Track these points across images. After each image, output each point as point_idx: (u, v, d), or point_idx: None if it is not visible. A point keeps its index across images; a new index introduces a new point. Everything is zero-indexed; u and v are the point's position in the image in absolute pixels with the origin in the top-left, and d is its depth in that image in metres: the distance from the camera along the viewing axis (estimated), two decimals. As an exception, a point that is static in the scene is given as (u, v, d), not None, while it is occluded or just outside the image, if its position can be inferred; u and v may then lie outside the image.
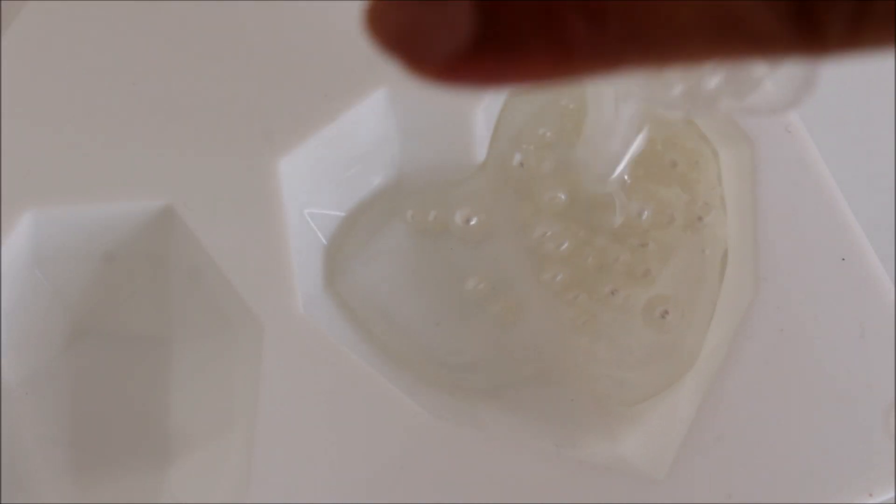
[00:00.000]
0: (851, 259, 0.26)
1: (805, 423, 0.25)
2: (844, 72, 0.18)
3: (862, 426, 0.25)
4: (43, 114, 0.27)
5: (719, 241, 0.29)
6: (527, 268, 0.29)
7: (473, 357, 0.29)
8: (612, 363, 0.28)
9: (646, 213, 0.28)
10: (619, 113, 0.22)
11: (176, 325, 0.29)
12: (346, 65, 0.27)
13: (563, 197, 0.29)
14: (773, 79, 0.14)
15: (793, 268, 0.26)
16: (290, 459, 0.25)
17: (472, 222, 0.29)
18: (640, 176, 0.29)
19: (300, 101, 0.27)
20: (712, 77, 0.13)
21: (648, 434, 0.27)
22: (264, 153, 0.27)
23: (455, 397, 0.27)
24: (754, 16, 0.11)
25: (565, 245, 0.29)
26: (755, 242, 0.26)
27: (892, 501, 0.25)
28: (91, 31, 0.28)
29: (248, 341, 0.27)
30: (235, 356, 0.28)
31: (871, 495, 0.25)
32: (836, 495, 0.25)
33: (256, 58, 0.28)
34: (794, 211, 0.27)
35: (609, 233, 0.29)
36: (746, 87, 0.13)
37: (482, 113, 0.28)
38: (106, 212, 0.27)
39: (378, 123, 0.28)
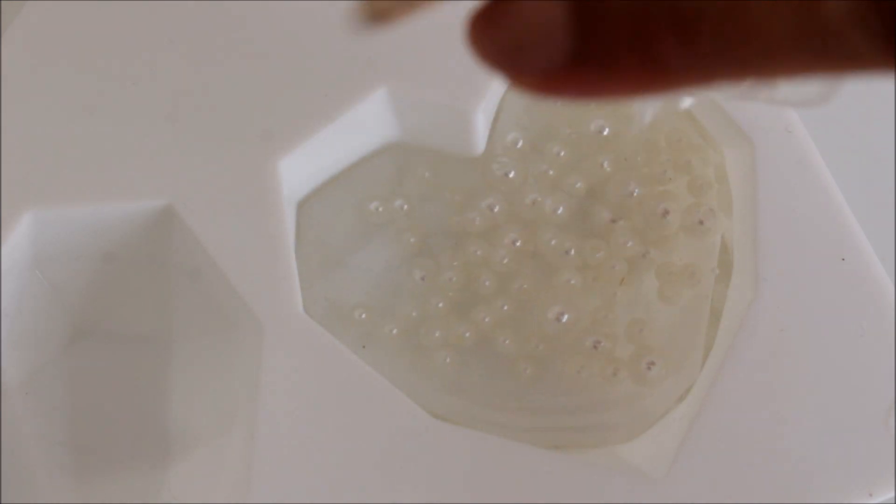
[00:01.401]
0: (851, 259, 0.26)
1: (805, 423, 0.25)
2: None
3: (862, 426, 0.25)
4: (43, 113, 0.27)
5: (716, 248, 0.28)
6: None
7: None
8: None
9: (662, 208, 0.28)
10: None
11: (176, 325, 0.29)
12: (346, 65, 0.27)
13: (560, 210, 0.29)
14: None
15: (793, 268, 0.26)
16: (290, 459, 0.25)
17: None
18: (656, 169, 0.29)
19: (300, 101, 0.27)
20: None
21: (648, 434, 0.27)
22: (264, 153, 0.27)
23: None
24: (848, 34, 0.11)
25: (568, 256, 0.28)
26: (755, 242, 0.26)
27: (893, 501, 0.25)
28: (91, 31, 0.28)
29: (248, 341, 0.27)
30: (235, 356, 0.28)
31: (871, 495, 0.25)
32: (836, 495, 0.25)
33: (256, 58, 0.28)
34: (794, 211, 0.27)
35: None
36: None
37: (482, 113, 0.27)
38: (106, 212, 0.27)
39: (378, 123, 0.28)
